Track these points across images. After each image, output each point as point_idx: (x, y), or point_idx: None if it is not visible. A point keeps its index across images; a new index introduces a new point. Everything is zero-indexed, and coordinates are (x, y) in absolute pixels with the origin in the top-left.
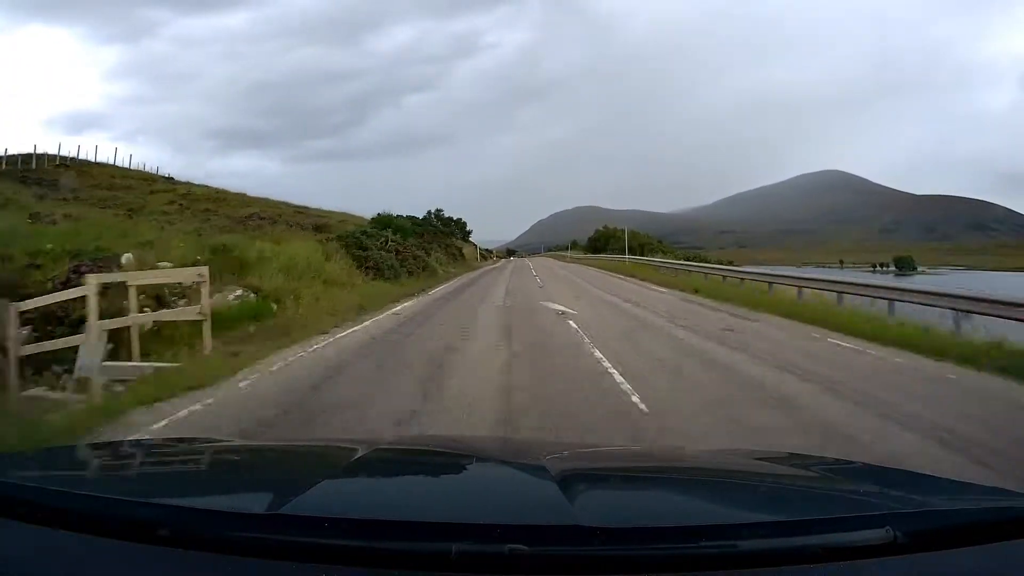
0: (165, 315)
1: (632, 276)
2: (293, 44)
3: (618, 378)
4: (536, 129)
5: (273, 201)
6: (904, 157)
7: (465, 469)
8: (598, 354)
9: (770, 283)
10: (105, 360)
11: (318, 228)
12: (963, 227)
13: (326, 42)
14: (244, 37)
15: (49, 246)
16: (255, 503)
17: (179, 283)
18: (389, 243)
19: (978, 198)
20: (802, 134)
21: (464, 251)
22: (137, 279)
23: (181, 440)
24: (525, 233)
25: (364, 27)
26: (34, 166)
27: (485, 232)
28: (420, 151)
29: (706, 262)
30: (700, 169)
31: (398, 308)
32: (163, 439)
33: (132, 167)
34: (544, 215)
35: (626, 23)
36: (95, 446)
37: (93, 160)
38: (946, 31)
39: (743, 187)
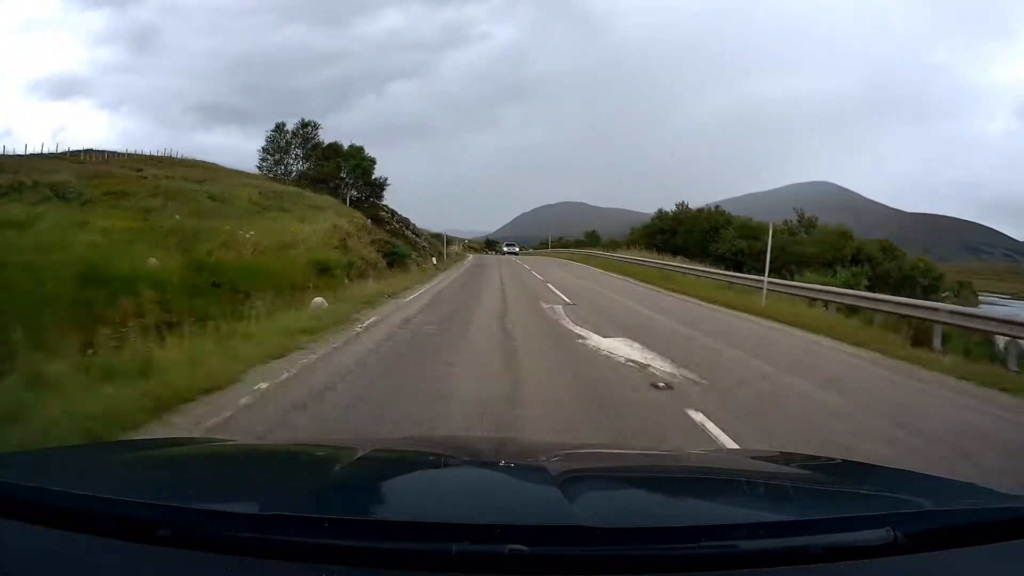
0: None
1: None
2: (278, 20)
3: None
4: (521, 124)
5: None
6: (893, 175)
7: (465, 469)
8: None
9: None
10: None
11: None
12: (957, 248)
13: (312, 20)
14: (228, 10)
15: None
16: (255, 503)
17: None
18: None
19: (966, 219)
20: (792, 145)
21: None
22: None
23: (181, 440)
24: (508, 225)
25: (352, 8)
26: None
27: (466, 222)
28: (403, 140)
29: None
30: (687, 174)
31: None
32: (163, 439)
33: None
34: (527, 208)
35: (619, 26)
36: (95, 446)
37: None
38: (942, 56)
39: (730, 194)
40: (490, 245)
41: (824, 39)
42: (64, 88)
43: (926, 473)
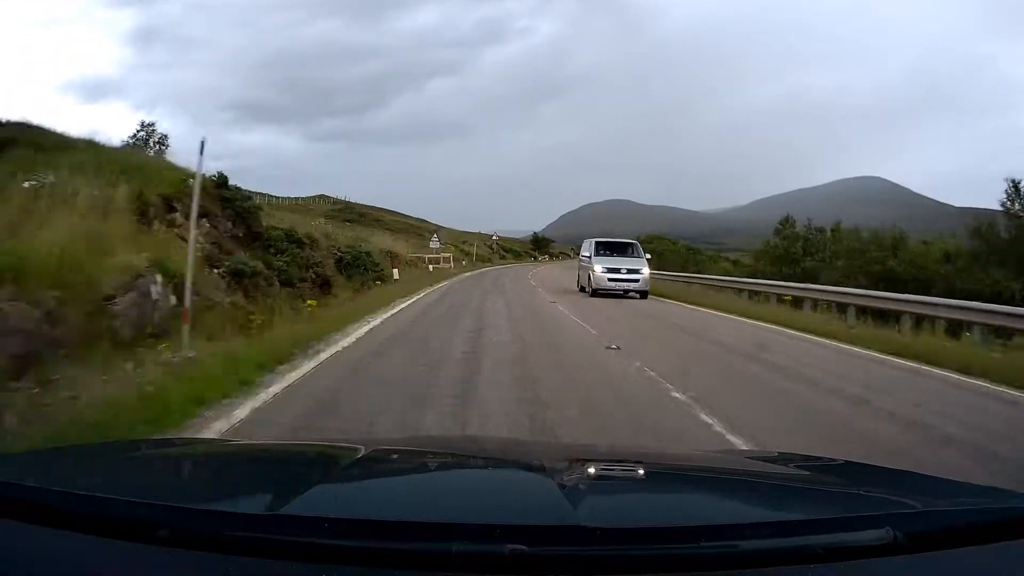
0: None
1: None
2: (312, 15)
3: None
4: (563, 121)
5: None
6: (942, 169)
7: (465, 469)
8: None
9: None
10: None
11: None
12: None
13: (347, 15)
14: (262, 4)
15: None
16: (255, 503)
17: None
18: None
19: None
20: (840, 139)
21: None
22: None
23: (181, 440)
24: (553, 224)
25: (387, 2)
26: None
27: (511, 222)
28: (442, 138)
29: None
30: (732, 169)
31: None
32: (163, 439)
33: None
34: (573, 207)
35: (660, 20)
36: (95, 446)
37: None
38: (991, 47)
39: (776, 189)
40: (539, 246)
41: (871, 30)
42: (96, 89)
43: (926, 473)
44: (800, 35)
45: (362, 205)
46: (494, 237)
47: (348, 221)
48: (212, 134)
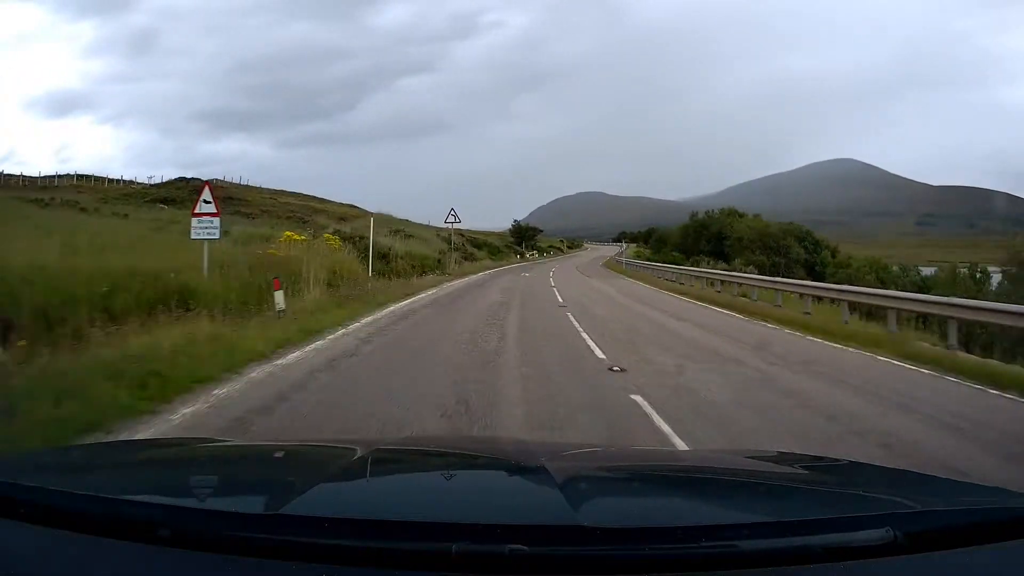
0: None
1: None
2: (281, 18)
3: None
4: (537, 115)
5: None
6: (918, 148)
7: (465, 469)
8: None
9: None
10: None
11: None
12: (1000, 221)
13: (317, 16)
14: (229, 9)
15: None
16: (255, 503)
17: None
18: None
19: (998, 190)
20: (815, 124)
21: None
22: None
23: (181, 440)
24: (525, 219)
25: (358, 1)
26: None
27: (483, 218)
28: (416, 137)
29: None
30: (705, 157)
31: None
32: (163, 439)
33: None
34: (544, 201)
35: (632, 9)
36: (95, 446)
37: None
38: (964, 24)
39: (750, 176)
40: (522, 237)
41: (843, 11)
42: (63, 104)
43: (926, 473)
44: (771, 20)
45: (259, 189)
46: (448, 223)
47: (162, 202)
48: (183, 144)
